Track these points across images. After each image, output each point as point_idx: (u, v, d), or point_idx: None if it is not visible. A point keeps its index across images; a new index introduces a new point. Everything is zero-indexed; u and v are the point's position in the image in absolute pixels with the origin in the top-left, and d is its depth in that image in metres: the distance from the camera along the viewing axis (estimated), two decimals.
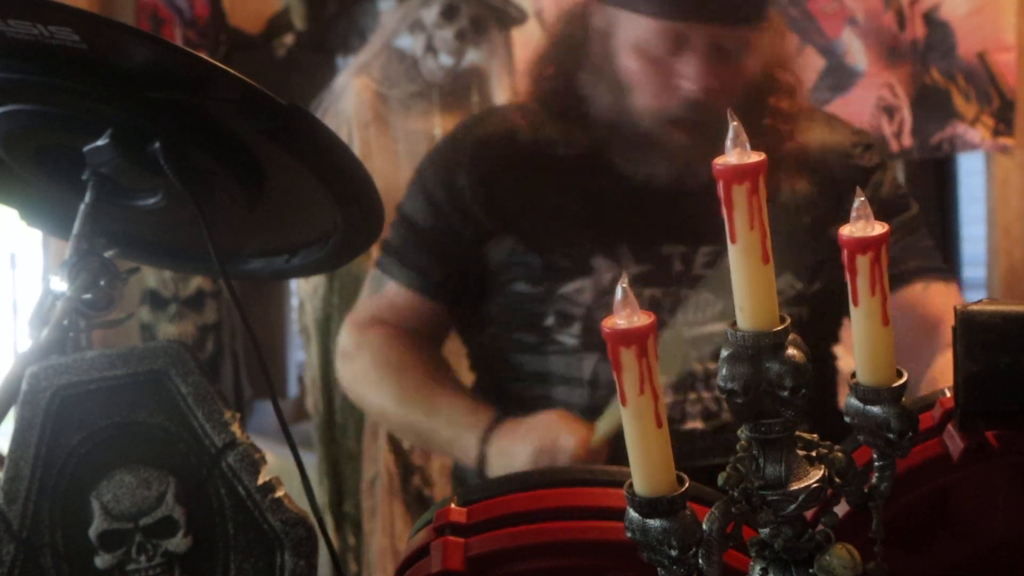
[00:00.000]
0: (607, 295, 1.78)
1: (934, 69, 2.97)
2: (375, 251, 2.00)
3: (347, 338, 1.98)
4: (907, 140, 3.03)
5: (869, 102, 3.05)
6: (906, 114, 3.03)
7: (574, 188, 1.84)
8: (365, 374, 1.94)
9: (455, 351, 2.07)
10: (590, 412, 1.78)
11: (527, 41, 3.13)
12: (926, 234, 1.92)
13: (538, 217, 1.85)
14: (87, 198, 1.21)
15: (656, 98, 1.78)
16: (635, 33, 1.77)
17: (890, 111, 3.05)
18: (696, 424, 1.80)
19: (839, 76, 3.11)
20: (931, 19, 2.97)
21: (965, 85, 2.94)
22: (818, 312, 1.85)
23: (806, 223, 1.83)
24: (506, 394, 1.89)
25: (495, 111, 2.17)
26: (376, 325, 1.94)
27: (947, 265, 1.96)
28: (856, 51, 3.08)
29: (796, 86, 1.88)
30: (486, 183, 1.87)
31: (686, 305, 1.82)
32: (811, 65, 3.09)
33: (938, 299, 1.86)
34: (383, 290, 1.94)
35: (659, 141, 1.80)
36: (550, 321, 1.82)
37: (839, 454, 0.89)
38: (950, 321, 1.96)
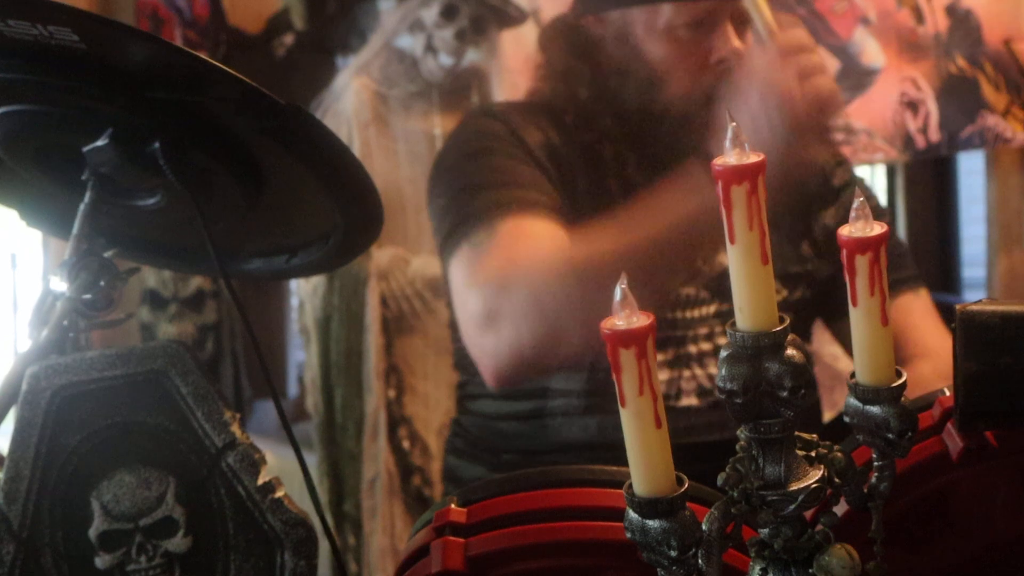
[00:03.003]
0: None
1: (959, 58, 2.95)
2: (370, 268, 1.92)
3: (487, 293, 1.72)
4: (934, 135, 3.01)
5: (891, 97, 3.03)
6: (932, 107, 3.00)
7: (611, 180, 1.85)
8: (532, 306, 1.68)
9: (444, 349, 2.06)
10: (587, 396, 1.80)
11: (520, 41, 3.13)
12: (897, 243, 1.96)
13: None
14: (87, 198, 1.21)
15: (693, 78, 1.81)
16: (661, 20, 1.81)
17: (914, 106, 3.03)
18: (691, 401, 1.84)
19: (856, 77, 3.10)
20: (954, 10, 2.95)
21: (994, 73, 2.92)
22: (800, 316, 1.89)
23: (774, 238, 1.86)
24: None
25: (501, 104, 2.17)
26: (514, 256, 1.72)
27: (917, 272, 1.98)
28: (871, 51, 3.06)
29: None
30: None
31: (685, 299, 1.85)
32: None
33: (903, 311, 1.89)
34: (495, 238, 1.74)
35: (694, 121, 1.79)
36: None
37: (839, 454, 0.89)
38: (914, 332, 1.99)
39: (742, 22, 1.82)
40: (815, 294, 1.93)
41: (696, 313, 1.86)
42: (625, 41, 1.84)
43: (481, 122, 1.96)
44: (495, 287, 1.70)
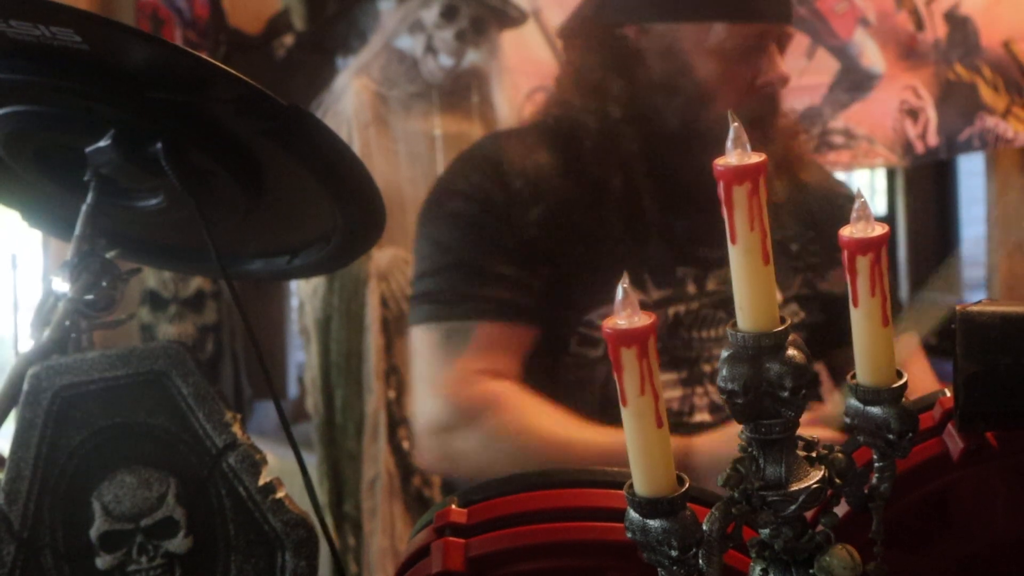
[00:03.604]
0: None
1: (958, 64, 2.95)
2: (370, 268, 1.93)
3: (444, 409, 1.80)
4: (933, 140, 3.01)
5: (891, 105, 3.04)
6: (931, 114, 3.01)
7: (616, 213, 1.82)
8: (485, 449, 1.78)
9: None
10: (599, 414, 1.78)
11: (519, 42, 3.13)
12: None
13: (574, 246, 1.81)
14: (88, 199, 1.21)
15: (740, 96, 1.80)
16: (712, 39, 1.79)
17: (914, 113, 3.04)
18: (704, 417, 1.85)
19: (855, 78, 3.10)
20: (952, 16, 2.95)
21: (992, 76, 2.92)
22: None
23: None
24: None
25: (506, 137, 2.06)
26: (487, 387, 1.78)
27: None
28: (871, 52, 3.07)
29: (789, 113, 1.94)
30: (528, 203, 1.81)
31: (702, 320, 1.85)
32: (825, 67, 3.08)
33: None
34: (470, 342, 1.78)
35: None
36: (572, 344, 1.82)
37: (839, 455, 0.89)
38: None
39: (784, 46, 1.83)
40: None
41: (711, 333, 1.86)
42: (673, 56, 1.81)
43: (477, 179, 1.85)
44: (458, 413, 1.78)
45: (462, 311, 1.79)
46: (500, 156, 1.85)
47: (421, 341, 1.84)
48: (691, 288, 1.86)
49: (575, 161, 1.83)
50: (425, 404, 1.84)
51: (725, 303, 1.85)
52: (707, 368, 1.86)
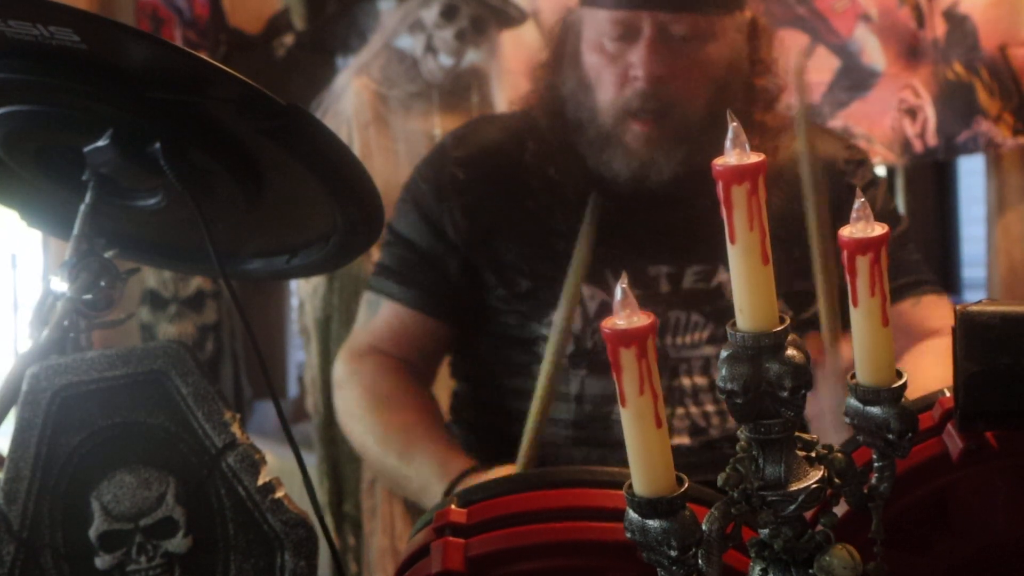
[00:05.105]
0: (594, 322, 1.76)
1: (957, 63, 2.94)
2: (370, 269, 1.98)
3: (340, 367, 1.95)
4: (931, 140, 3.01)
5: (890, 104, 3.03)
6: (929, 113, 3.00)
7: (560, 204, 1.80)
8: (353, 406, 1.90)
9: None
10: (575, 427, 1.77)
11: (519, 42, 3.13)
12: (914, 249, 1.90)
13: (523, 244, 1.82)
14: (87, 199, 1.21)
15: (615, 91, 1.75)
16: (595, 28, 1.76)
17: (912, 112, 3.03)
18: (683, 440, 1.77)
19: (856, 76, 3.08)
20: (952, 15, 2.95)
21: (989, 79, 2.92)
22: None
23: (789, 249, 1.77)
24: (488, 409, 1.88)
25: (483, 123, 2.10)
26: (371, 354, 1.89)
27: (935, 278, 1.93)
28: (872, 49, 3.05)
29: (778, 93, 1.83)
30: (471, 207, 1.83)
31: (675, 325, 1.79)
32: (825, 65, 3.07)
33: (930, 310, 1.84)
34: (379, 314, 1.89)
35: (620, 137, 1.76)
36: (539, 346, 1.78)
37: (839, 454, 0.89)
38: (945, 332, 1.96)
39: (675, 46, 1.75)
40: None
41: (688, 339, 1.78)
42: (574, 39, 1.79)
43: (427, 184, 1.89)
44: (337, 373, 1.97)
45: (380, 286, 1.89)
46: (457, 144, 1.91)
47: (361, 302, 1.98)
48: (665, 287, 1.79)
49: (523, 155, 1.84)
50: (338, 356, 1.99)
51: (699, 304, 1.78)
52: (687, 382, 1.78)
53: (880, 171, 3.44)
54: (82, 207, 1.22)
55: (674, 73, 1.74)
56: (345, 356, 1.95)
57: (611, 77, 1.76)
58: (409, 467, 1.78)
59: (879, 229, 0.85)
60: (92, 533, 1.13)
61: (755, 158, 0.83)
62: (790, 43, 2.57)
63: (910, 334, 1.80)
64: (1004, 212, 2.99)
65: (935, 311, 1.84)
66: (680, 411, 1.78)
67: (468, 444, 1.89)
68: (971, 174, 3.23)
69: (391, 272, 1.88)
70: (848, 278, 0.86)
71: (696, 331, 1.79)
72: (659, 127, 1.74)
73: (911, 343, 1.79)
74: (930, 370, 1.68)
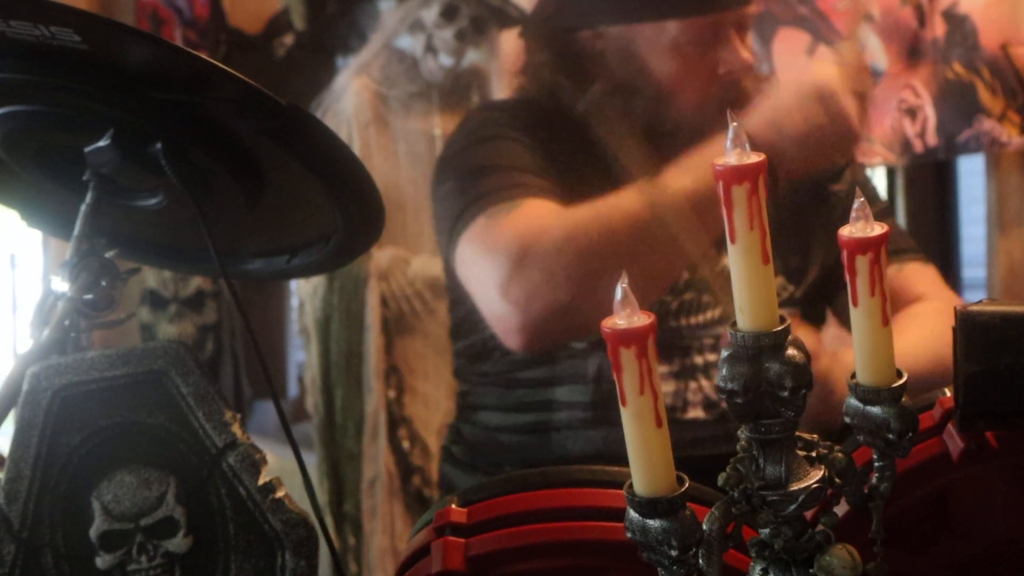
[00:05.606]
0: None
1: (956, 63, 2.94)
2: (370, 269, 1.94)
3: (510, 249, 1.70)
4: (932, 139, 3.01)
5: (889, 104, 3.03)
6: (929, 113, 3.00)
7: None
8: (556, 262, 1.68)
9: (444, 349, 2.06)
10: (592, 408, 1.78)
11: (519, 42, 3.12)
12: (895, 223, 1.97)
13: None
14: (88, 199, 1.21)
15: (703, 89, 1.79)
16: (666, 37, 1.79)
17: (912, 112, 3.03)
18: (698, 413, 1.82)
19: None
20: (951, 15, 2.94)
21: (990, 78, 2.91)
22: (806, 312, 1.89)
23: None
24: (508, 390, 1.89)
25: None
26: (526, 210, 1.73)
27: (918, 247, 1.97)
28: (874, 49, 3.05)
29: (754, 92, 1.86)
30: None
31: (688, 306, 1.83)
32: None
33: (916, 276, 1.88)
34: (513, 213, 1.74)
35: (707, 131, 1.76)
36: None
37: (839, 454, 0.89)
38: (929, 296, 1.98)
39: (745, 30, 1.82)
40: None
41: (700, 319, 1.84)
42: (631, 58, 1.81)
43: (486, 114, 1.99)
44: (523, 240, 1.67)
45: (507, 195, 1.74)
46: (499, 104, 2.02)
47: (468, 249, 1.76)
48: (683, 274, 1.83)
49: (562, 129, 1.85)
50: (485, 275, 1.73)
51: (708, 287, 1.83)
52: (699, 360, 1.83)
53: (880, 170, 3.45)
54: (82, 207, 1.22)
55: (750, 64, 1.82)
56: (500, 237, 1.72)
57: (699, 77, 1.80)
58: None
59: (878, 229, 0.85)
60: (92, 533, 1.13)
61: (755, 158, 0.83)
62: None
63: (894, 301, 1.82)
64: (1004, 212, 2.99)
65: (919, 277, 1.89)
66: (694, 385, 1.82)
67: (476, 441, 1.91)
68: (971, 174, 3.23)
69: (510, 184, 1.76)
70: (848, 278, 0.86)
71: (707, 310, 1.84)
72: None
73: (895, 310, 1.81)
74: (915, 334, 1.72)
